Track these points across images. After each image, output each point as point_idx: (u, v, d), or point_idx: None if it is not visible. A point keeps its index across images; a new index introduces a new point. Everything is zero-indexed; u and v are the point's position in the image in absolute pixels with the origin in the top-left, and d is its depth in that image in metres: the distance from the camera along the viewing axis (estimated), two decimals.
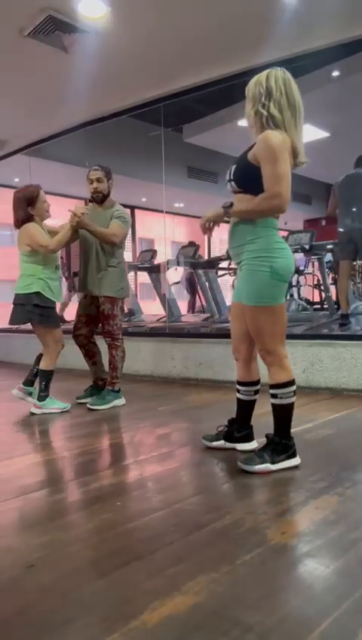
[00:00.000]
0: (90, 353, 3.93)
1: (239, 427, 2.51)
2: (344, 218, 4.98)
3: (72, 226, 3.48)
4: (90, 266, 3.75)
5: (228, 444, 2.53)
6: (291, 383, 2.22)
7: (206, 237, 2.53)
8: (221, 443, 2.55)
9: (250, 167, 2.08)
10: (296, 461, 2.24)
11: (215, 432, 2.59)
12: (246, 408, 2.47)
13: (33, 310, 3.46)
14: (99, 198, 3.72)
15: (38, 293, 3.45)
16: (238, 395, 2.48)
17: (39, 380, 3.63)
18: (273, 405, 2.23)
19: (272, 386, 2.22)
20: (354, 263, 5.05)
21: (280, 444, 2.21)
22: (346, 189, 4.96)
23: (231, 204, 2.20)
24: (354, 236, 4.88)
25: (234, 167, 2.19)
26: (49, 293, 3.49)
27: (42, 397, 3.61)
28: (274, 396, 2.22)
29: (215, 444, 2.56)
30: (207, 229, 2.34)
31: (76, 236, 3.68)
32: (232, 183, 2.19)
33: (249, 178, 2.09)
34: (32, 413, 3.58)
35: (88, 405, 3.69)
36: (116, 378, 3.76)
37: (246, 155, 2.14)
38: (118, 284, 3.74)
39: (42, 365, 3.61)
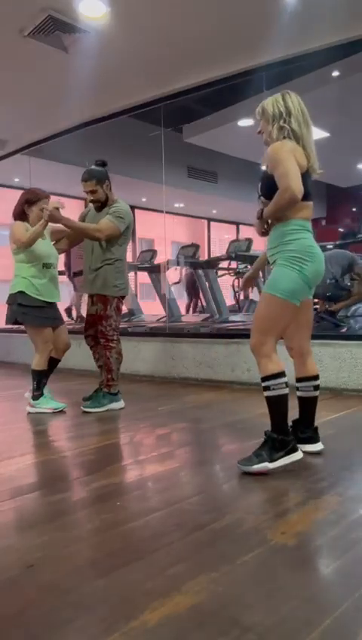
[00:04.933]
0: (97, 355, 3.79)
1: (303, 428, 2.46)
2: None
3: (45, 221, 3.34)
4: (86, 264, 3.68)
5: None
6: (281, 374, 2.21)
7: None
8: None
9: (272, 180, 2.21)
10: (297, 456, 2.21)
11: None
12: (306, 406, 2.44)
13: (18, 310, 3.46)
14: (99, 207, 3.62)
15: (21, 292, 3.45)
16: (298, 393, 2.46)
17: (31, 379, 3.62)
18: (267, 398, 2.23)
19: (263, 379, 2.23)
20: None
21: (277, 440, 2.19)
22: None
23: (262, 213, 2.30)
24: None
25: (260, 184, 2.33)
26: (33, 291, 3.45)
27: (35, 396, 3.60)
28: (266, 388, 2.22)
29: None
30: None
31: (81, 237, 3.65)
32: (262, 198, 2.32)
33: (274, 190, 2.21)
34: (28, 413, 3.59)
35: (82, 408, 3.61)
36: (112, 380, 3.64)
37: (266, 170, 2.28)
38: (112, 282, 3.58)
39: (33, 365, 3.59)
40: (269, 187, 2.24)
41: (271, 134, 2.29)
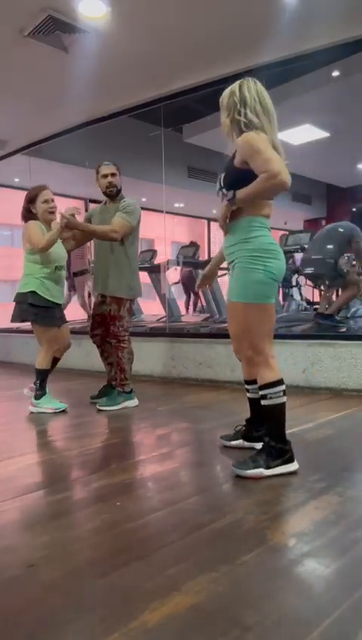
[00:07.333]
0: (106, 353, 3.87)
1: (256, 426, 2.48)
2: None
3: (62, 227, 3.40)
4: (100, 265, 3.72)
5: (247, 444, 2.51)
6: (279, 382, 2.19)
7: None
8: (240, 442, 2.54)
9: (240, 173, 2.11)
10: (293, 466, 2.18)
11: (233, 432, 2.59)
12: (257, 406, 2.41)
13: (28, 309, 3.49)
14: (114, 193, 3.68)
15: (33, 292, 3.47)
16: (248, 395, 2.47)
17: (35, 378, 3.63)
18: (264, 407, 2.21)
19: (261, 387, 2.20)
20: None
21: (275, 448, 2.17)
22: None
23: (234, 195, 2.14)
24: None
25: (223, 175, 2.22)
26: (45, 292, 3.49)
27: (38, 395, 3.62)
28: (264, 397, 2.19)
29: (233, 443, 2.55)
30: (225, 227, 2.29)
31: (90, 236, 3.71)
32: (223, 190, 2.20)
33: (239, 183, 2.11)
34: (31, 412, 3.60)
35: (98, 406, 3.66)
36: (125, 379, 3.71)
37: (232, 162, 2.17)
38: (126, 284, 3.66)
39: (37, 364, 3.61)
40: (238, 182, 2.11)
41: (225, 126, 2.21)
